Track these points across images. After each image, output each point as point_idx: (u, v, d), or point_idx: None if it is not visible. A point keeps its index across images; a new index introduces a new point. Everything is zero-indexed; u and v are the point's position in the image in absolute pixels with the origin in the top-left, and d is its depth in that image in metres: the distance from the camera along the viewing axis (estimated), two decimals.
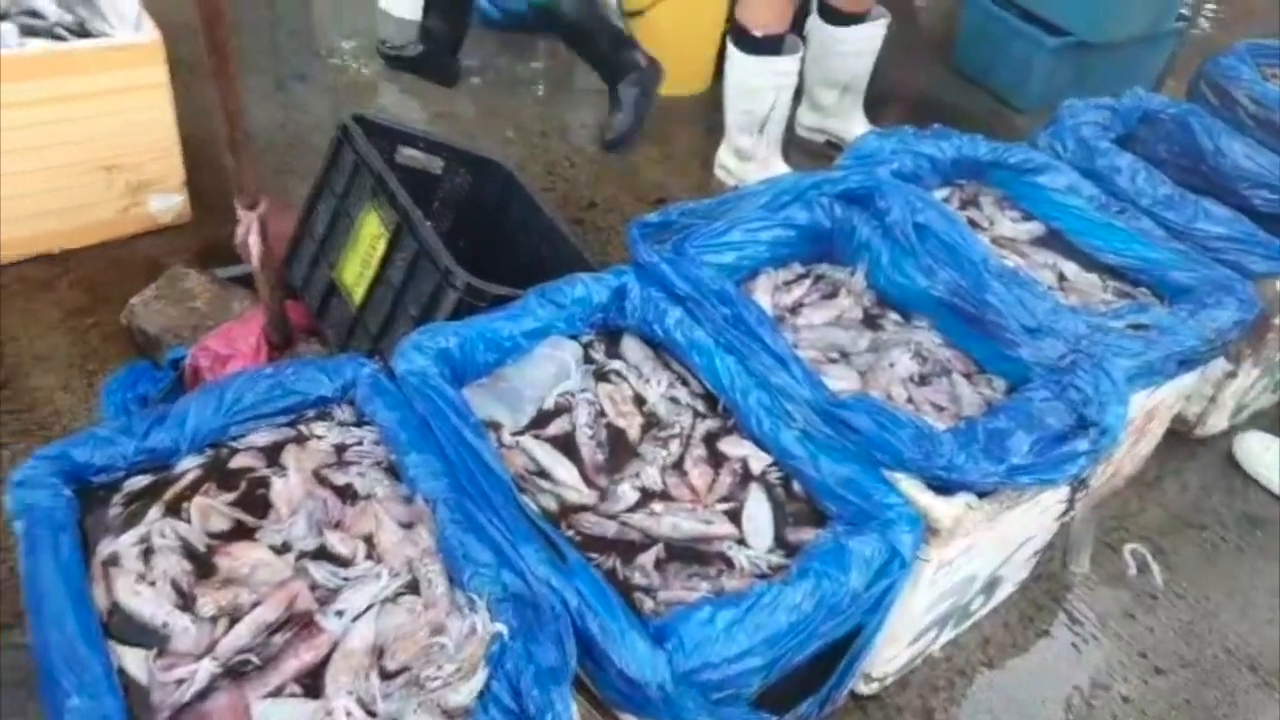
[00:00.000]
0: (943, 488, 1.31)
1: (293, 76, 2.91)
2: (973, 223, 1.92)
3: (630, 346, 1.55)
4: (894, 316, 1.69)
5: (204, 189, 2.30)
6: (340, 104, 2.84)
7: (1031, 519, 1.51)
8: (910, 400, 1.50)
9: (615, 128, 2.75)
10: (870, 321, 1.67)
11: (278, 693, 1.02)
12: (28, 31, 2.18)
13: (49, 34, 2.19)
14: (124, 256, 2.17)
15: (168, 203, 2.25)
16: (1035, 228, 1.93)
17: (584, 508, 1.30)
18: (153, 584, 1.09)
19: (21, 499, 1.12)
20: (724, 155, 2.70)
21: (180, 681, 1.00)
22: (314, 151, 2.49)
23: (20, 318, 1.99)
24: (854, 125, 2.85)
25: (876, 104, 2.92)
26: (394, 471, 1.26)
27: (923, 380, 1.55)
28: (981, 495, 1.33)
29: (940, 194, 1.96)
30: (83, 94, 2.05)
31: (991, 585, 1.63)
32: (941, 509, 1.29)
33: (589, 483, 1.33)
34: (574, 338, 1.53)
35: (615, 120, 2.75)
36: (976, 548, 1.40)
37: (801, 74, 2.57)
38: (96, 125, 2.09)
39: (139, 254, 2.18)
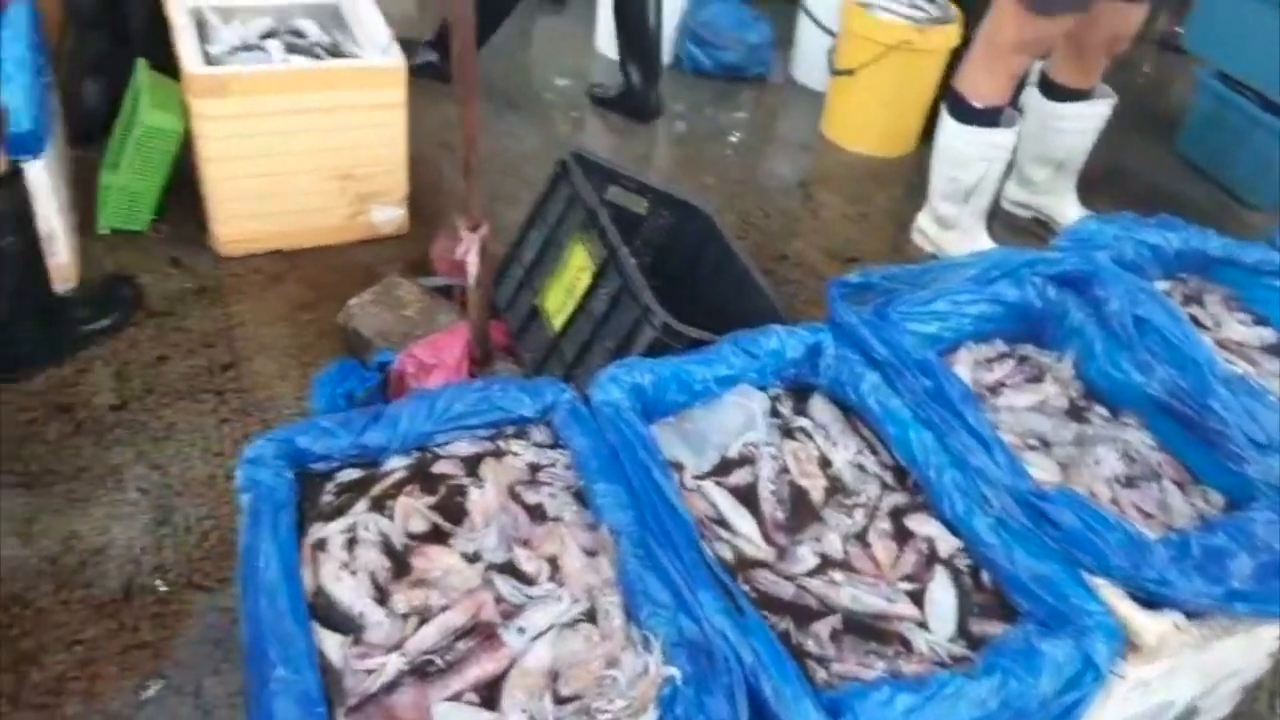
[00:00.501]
0: (1148, 601, 1.22)
1: (509, 107, 3.06)
2: (1195, 321, 1.80)
3: (820, 406, 1.53)
4: (1101, 410, 1.60)
5: (420, 205, 2.45)
6: (551, 138, 2.97)
7: (1243, 651, 1.39)
8: (1114, 502, 1.41)
9: (608, 93, 3.14)
10: (1075, 412, 1.59)
11: (457, 698, 1.05)
12: (291, 49, 2.40)
13: (309, 52, 2.40)
14: (344, 260, 2.33)
15: (389, 214, 2.41)
16: (1268, 334, 1.79)
17: (761, 564, 1.29)
18: (354, 574, 1.15)
19: (250, 475, 1.21)
20: (924, 221, 2.65)
21: (370, 671, 1.05)
22: (522, 180, 2.62)
23: (252, 306, 2.17)
24: (1065, 205, 2.74)
25: (1089, 185, 2.79)
26: (582, 498, 1.29)
27: (1129, 482, 1.46)
28: (1190, 616, 1.23)
29: (1161, 287, 1.85)
30: (332, 108, 2.22)
31: (1188, 715, 1.50)
32: (1145, 624, 1.20)
33: (768, 539, 1.32)
34: (762, 389, 1.53)
35: (616, 92, 3.11)
36: (1178, 672, 1.30)
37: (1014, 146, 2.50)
38: (339, 137, 2.27)
39: (357, 259, 2.33)
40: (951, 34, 2.85)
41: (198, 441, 1.84)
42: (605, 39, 3.43)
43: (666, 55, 3.37)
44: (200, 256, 2.28)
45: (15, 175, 1.85)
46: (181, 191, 2.31)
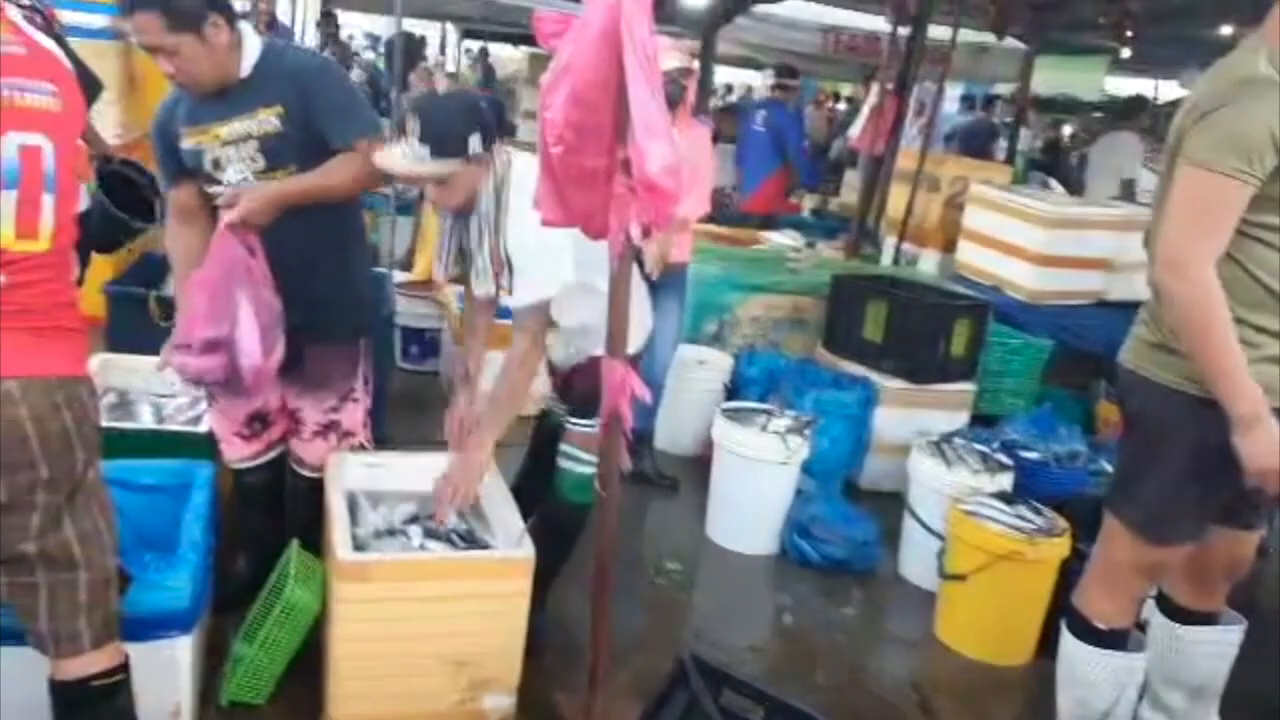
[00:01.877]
0: None
1: (622, 590, 3.13)
2: None
3: None
4: None
5: (525, 689, 2.43)
6: (662, 625, 3.01)
7: None
8: None
9: None
10: None
11: None
12: (429, 534, 2.59)
13: (445, 539, 2.58)
14: None
15: (498, 702, 2.39)
16: None
17: None
18: None
19: None
20: None
21: None
22: (632, 668, 2.61)
23: None
24: None
25: (1231, 707, 2.61)
26: None
27: None
28: None
29: None
30: (461, 595, 2.33)
31: None
32: None
33: None
34: None
35: None
36: None
37: None
38: (462, 624, 2.33)
39: None
40: (1061, 546, 2.90)
41: None
42: (716, 525, 3.61)
43: (774, 546, 3.51)
44: None
45: (125, 670, 1.81)
46: (301, 665, 2.37)
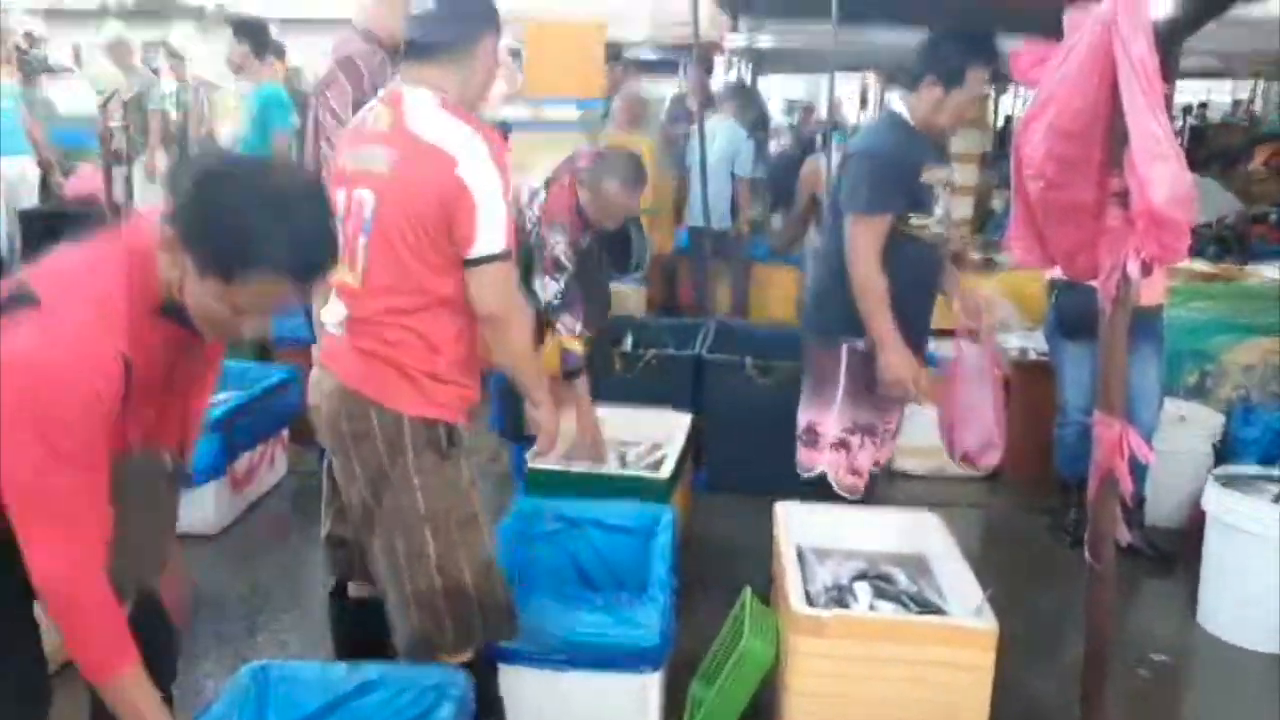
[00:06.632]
0: None
1: None
2: None
3: None
4: None
5: None
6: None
7: None
8: None
9: None
10: None
11: None
12: (879, 594, 2.51)
13: (895, 599, 2.48)
14: None
15: None
16: None
17: None
18: None
19: None
20: None
21: None
22: None
23: None
24: None
25: None
26: None
27: None
28: None
29: None
30: (917, 660, 2.21)
31: None
32: None
33: None
34: None
35: None
36: None
37: None
38: (918, 690, 2.21)
39: None
40: None
41: None
42: (1211, 612, 3.07)
43: None
44: None
45: None
46: (757, 710, 2.38)
